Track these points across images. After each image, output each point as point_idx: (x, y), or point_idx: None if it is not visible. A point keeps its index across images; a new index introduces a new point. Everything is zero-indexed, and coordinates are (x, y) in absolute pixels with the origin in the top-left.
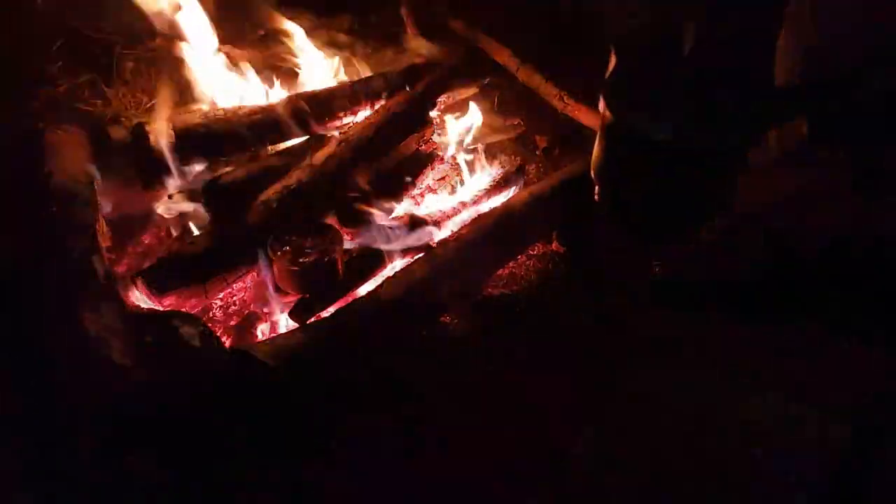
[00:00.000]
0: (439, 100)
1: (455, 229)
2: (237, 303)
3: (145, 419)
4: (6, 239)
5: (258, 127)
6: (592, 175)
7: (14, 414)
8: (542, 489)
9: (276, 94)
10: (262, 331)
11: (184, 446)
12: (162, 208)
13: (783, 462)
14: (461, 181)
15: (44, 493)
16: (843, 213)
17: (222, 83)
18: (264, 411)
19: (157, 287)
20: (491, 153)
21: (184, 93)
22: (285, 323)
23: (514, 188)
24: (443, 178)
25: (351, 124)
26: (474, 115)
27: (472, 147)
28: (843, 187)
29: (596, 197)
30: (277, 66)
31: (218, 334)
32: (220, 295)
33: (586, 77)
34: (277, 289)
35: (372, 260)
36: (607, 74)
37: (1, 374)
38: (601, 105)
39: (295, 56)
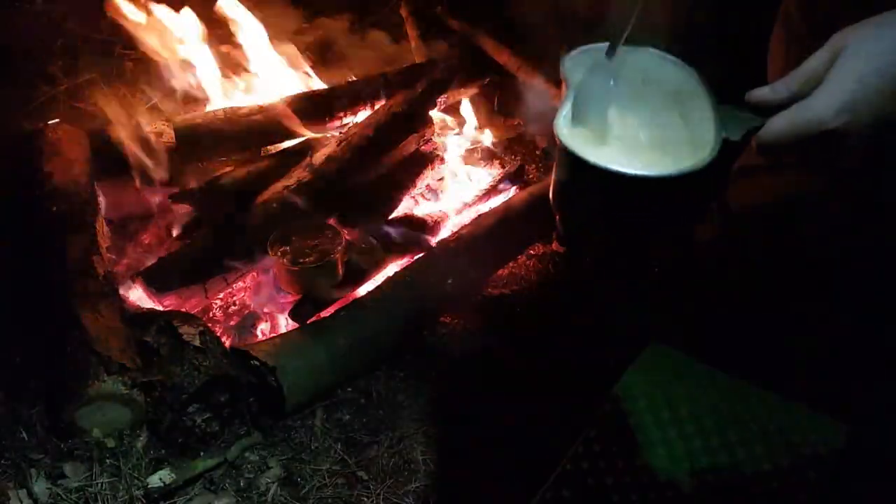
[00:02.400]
0: (439, 100)
1: (455, 229)
2: (237, 303)
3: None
4: (6, 239)
5: (258, 127)
6: (551, 203)
7: (15, 412)
8: (541, 489)
9: (277, 93)
10: (262, 331)
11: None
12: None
13: (783, 462)
14: (461, 181)
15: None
16: (838, 212)
17: (222, 83)
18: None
19: (157, 287)
20: (491, 153)
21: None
22: (285, 323)
23: (514, 188)
24: (443, 178)
25: (351, 124)
26: (472, 116)
27: (472, 147)
28: (839, 188)
29: (556, 223)
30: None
31: (218, 334)
32: (220, 295)
33: None
34: (278, 289)
35: (372, 260)
36: (559, 107)
37: (1, 373)
38: (553, 135)
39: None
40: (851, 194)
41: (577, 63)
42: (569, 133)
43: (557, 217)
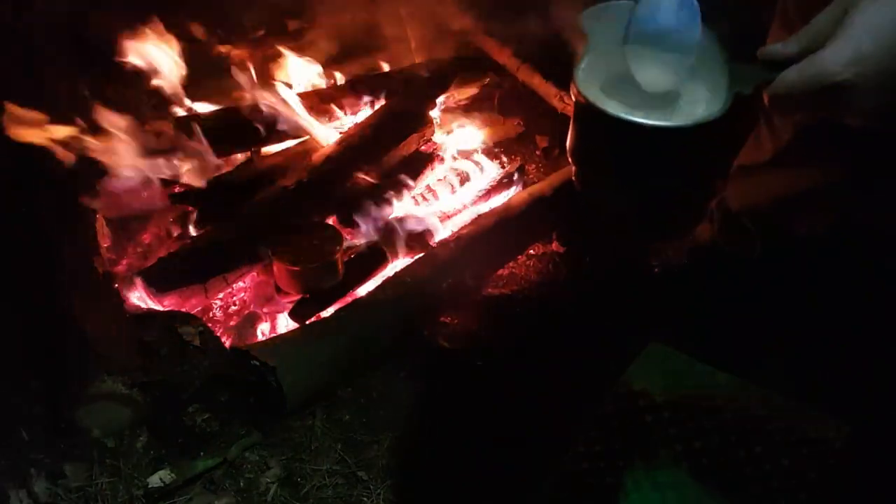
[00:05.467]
0: (439, 100)
1: (455, 229)
2: (237, 303)
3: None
4: (6, 239)
5: (258, 127)
6: (568, 157)
7: (15, 412)
8: (542, 489)
9: (277, 93)
10: (261, 331)
11: None
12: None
13: (783, 462)
14: (461, 181)
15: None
16: (839, 211)
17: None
18: None
19: (157, 287)
20: (491, 153)
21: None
22: (285, 323)
23: (514, 188)
24: (443, 178)
25: (351, 124)
26: (473, 116)
27: (472, 147)
28: (838, 186)
29: (574, 179)
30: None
31: (218, 334)
32: (220, 295)
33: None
34: (277, 289)
35: (372, 260)
36: (577, 61)
37: (1, 374)
38: (572, 89)
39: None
40: (854, 191)
41: (595, 17)
42: (587, 85)
43: (574, 170)
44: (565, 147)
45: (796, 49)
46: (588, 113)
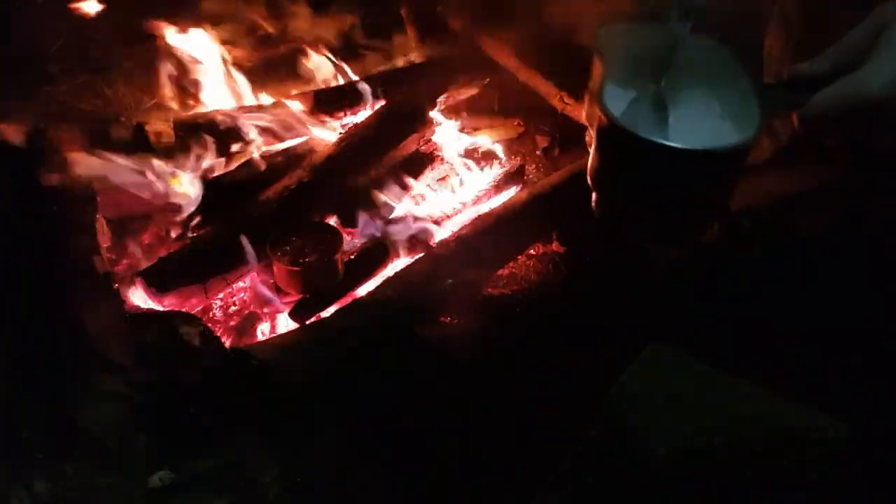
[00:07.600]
0: (439, 100)
1: (455, 229)
2: (237, 303)
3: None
4: (6, 239)
5: (258, 126)
6: (588, 181)
7: (15, 412)
8: (541, 489)
9: (276, 93)
10: (262, 331)
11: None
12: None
13: (783, 462)
14: (461, 181)
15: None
16: (837, 211)
17: (222, 83)
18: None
19: (157, 287)
20: (491, 153)
21: (184, 93)
22: (285, 323)
23: (514, 188)
24: (443, 178)
25: (351, 124)
26: (473, 116)
27: (472, 147)
28: (838, 186)
29: (593, 204)
30: (278, 66)
31: (218, 334)
32: (220, 295)
33: (586, 77)
34: (277, 289)
35: (372, 260)
36: (594, 82)
37: (2, 373)
38: (594, 109)
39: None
40: (854, 191)
41: (612, 39)
42: (613, 108)
43: (595, 196)
44: (565, 146)
45: (826, 68)
46: (617, 138)
